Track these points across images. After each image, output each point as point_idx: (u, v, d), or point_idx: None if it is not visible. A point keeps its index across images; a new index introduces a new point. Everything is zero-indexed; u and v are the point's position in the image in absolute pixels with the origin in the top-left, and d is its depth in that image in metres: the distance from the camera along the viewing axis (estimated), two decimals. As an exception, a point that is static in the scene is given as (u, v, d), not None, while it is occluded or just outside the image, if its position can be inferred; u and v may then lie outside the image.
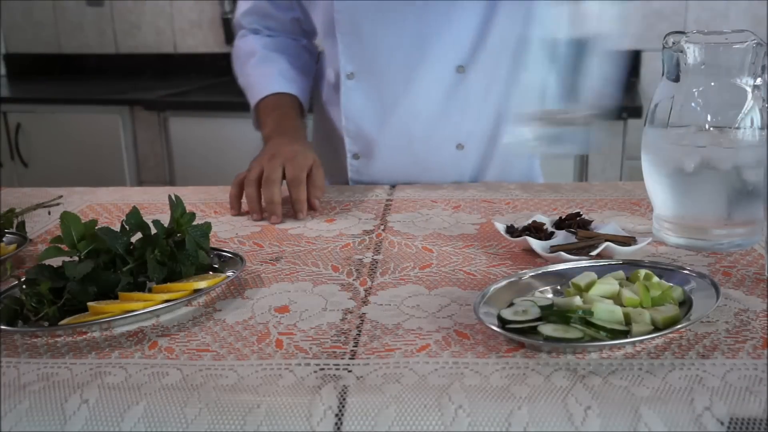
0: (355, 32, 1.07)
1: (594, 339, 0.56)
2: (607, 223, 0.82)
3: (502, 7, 1.05)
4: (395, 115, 1.09)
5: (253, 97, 1.18)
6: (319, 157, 1.06)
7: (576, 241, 0.78)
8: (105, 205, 1.03)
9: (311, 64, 1.25)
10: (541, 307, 0.59)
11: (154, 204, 1.02)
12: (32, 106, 2.57)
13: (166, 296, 0.65)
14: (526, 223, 0.82)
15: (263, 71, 1.19)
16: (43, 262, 0.67)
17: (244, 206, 0.97)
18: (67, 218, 0.68)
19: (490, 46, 1.06)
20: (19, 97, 2.71)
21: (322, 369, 0.55)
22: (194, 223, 0.73)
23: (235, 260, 0.75)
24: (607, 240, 0.76)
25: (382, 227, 0.89)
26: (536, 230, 0.81)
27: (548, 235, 0.80)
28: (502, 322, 0.59)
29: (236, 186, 0.99)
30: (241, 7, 1.24)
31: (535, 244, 0.76)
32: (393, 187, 1.09)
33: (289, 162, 0.97)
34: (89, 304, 0.63)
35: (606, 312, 0.59)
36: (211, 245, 0.76)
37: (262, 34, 1.24)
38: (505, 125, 1.13)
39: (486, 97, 1.10)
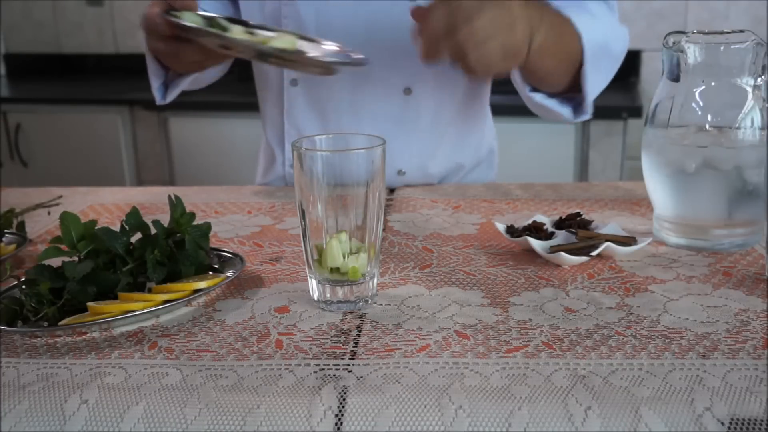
0: None
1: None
2: (607, 223, 0.82)
3: None
4: (338, 128, 1.06)
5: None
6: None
7: (576, 241, 0.78)
8: (106, 205, 1.03)
9: None
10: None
11: (154, 204, 1.02)
12: (32, 106, 2.57)
13: (165, 296, 0.65)
14: (526, 223, 0.82)
15: None
16: (43, 262, 0.67)
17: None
18: (66, 218, 0.68)
19: (439, 68, 1.03)
20: (18, 97, 2.71)
21: (322, 369, 0.55)
22: (194, 223, 0.73)
23: (235, 260, 0.75)
24: (607, 240, 0.76)
25: (382, 227, 0.89)
26: (536, 230, 0.81)
27: (548, 235, 0.80)
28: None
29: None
30: None
31: (535, 244, 0.76)
32: (392, 190, 1.09)
33: None
34: (89, 304, 0.63)
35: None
36: (211, 245, 0.76)
37: None
38: (444, 154, 1.13)
39: (433, 121, 1.09)
